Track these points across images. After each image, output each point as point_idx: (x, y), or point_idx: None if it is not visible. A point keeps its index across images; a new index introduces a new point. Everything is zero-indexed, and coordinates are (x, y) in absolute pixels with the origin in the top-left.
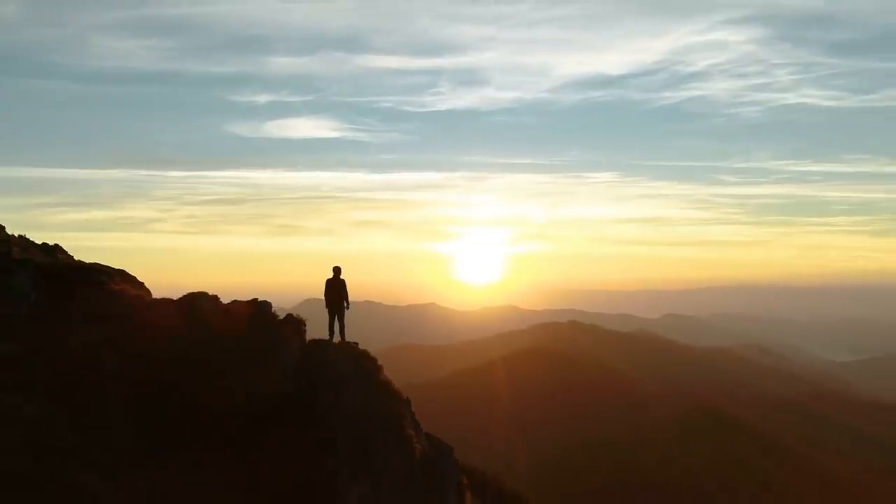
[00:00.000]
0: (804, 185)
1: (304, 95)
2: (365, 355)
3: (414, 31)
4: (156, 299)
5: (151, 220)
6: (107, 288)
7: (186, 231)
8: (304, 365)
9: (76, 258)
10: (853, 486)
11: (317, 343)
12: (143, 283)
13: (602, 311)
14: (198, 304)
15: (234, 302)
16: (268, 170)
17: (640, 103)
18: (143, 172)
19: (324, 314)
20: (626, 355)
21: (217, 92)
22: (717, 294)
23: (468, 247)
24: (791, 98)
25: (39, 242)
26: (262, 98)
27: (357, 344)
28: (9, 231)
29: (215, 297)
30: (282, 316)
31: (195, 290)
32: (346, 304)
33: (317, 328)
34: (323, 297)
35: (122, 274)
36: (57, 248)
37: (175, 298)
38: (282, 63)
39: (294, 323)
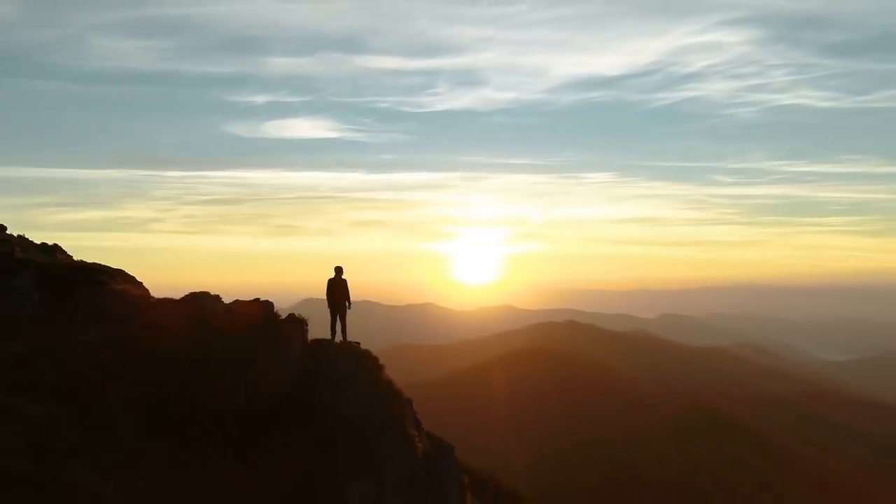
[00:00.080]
0: (799, 186)
1: (303, 96)
2: (366, 355)
3: (412, 31)
4: (158, 299)
5: (150, 220)
6: (108, 288)
7: (185, 231)
8: (306, 365)
9: (75, 258)
10: (848, 484)
11: (318, 343)
12: (142, 283)
13: (598, 310)
14: (201, 304)
15: (237, 302)
16: (266, 170)
17: (637, 104)
18: (141, 172)
19: (323, 314)
20: (622, 355)
21: (215, 92)
22: (712, 294)
23: (465, 247)
24: (786, 99)
25: (38, 242)
26: (261, 98)
27: (359, 343)
28: (8, 231)
29: (218, 297)
30: (283, 316)
31: (196, 290)
32: (347, 304)
33: (316, 328)
34: (323, 297)
35: (122, 274)
36: (56, 247)
37: (176, 298)
38: (280, 63)
39: (296, 323)
